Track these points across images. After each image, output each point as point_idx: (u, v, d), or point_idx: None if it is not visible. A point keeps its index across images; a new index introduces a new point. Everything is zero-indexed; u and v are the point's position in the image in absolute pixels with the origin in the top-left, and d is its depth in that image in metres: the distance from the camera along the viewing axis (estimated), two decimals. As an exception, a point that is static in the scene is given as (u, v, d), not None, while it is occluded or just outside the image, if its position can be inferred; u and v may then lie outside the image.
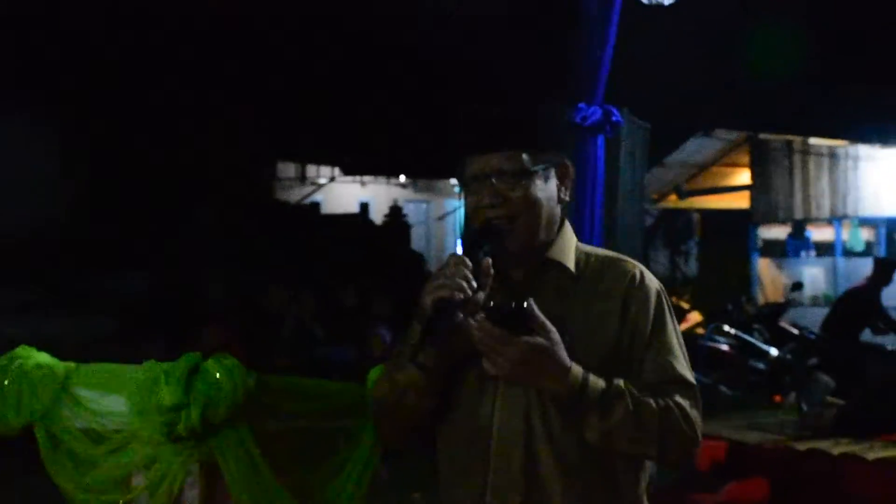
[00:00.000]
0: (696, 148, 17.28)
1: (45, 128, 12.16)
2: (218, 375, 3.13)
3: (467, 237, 2.39)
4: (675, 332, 2.39)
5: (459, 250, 2.36)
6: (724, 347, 10.58)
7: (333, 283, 12.49)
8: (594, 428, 2.23)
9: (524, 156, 2.38)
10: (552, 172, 2.43)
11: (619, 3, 4.62)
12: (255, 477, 3.12)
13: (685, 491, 4.92)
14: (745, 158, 17.85)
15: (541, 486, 2.29)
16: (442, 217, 26.90)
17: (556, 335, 2.23)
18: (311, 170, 24.10)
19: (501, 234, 2.36)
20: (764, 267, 18.28)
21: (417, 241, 22.90)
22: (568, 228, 2.49)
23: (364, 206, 23.34)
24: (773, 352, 10.53)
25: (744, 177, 18.15)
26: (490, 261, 2.29)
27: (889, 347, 10.41)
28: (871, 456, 4.48)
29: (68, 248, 12.51)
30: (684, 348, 2.40)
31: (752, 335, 11.01)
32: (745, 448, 4.84)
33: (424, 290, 2.28)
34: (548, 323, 2.23)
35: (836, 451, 4.55)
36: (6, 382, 3.29)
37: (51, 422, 3.30)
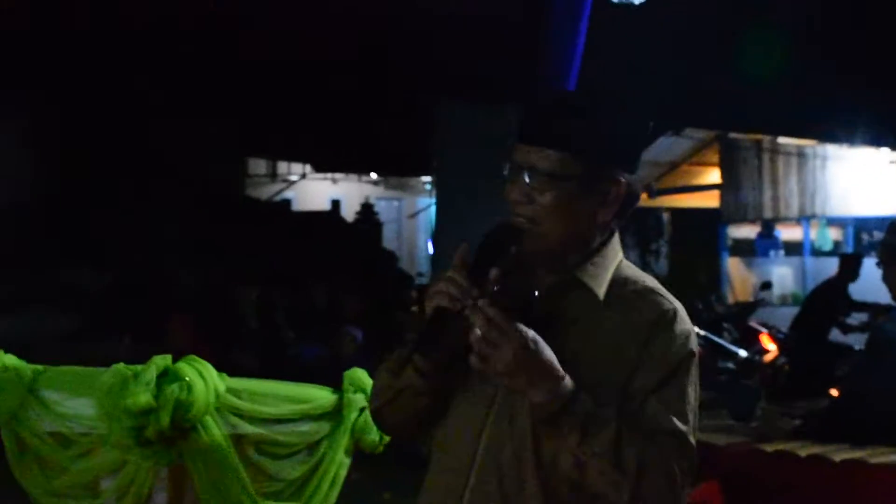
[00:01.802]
0: (666, 147, 17.35)
1: (10, 124, 12.07)
2: (189, 378, 3.11)
3: (491, 232, 2.15)
4: (688, 388, 2.13)
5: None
6: (694, 347, 10.63)
7: (304, 281, 12.46)
8: (570, 451, 2.04)
9: (565, 158, 2.12)
10: (598, 187, 2.14)
11: (589, 4, 4.64)
12: (226, 481, 3.10)
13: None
14: (715, 157, 17.96)
15: None
16: (413, 215, 26.88)
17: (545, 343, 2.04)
18: (282, 166, 24.05)
19: (521, 234, 2.13)
20: (733, 266, 18.39)
21: (389, 239, 22.90)
22: (613, 247, 2.23)
23: (335, 204, 23.31)
24: (742, 353, 10.60)
25: (713, 176, 18.26)
26: (497, 272, 2.06)
27: (856, 347, 10.49)
28: (837, 457, 4.51)
29: (34, 244, 12.42)
30: (696, 410, 2.14)
31: (721, 335, 11.07)
32: (714, 449, 4.86)
33: (427, 293, 2.11)
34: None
35: (803, 452, 4.57)
36: (-28, 385, 3.25)
37: (18, 425, 3.27)
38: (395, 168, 21.86)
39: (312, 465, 3.37)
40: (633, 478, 2.02)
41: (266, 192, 22.51)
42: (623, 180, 2.16)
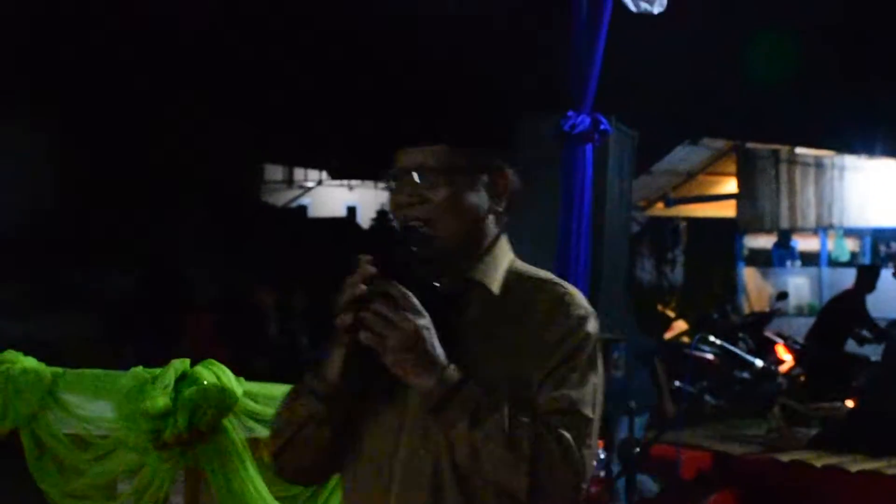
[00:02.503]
0: (683, 156, 17.31)
1: (36, 129, 12.18)
2: (206, 382, 3.12)
3: (388, 239, 2.15)
4: (584, 368, 2.12)
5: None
6: (710, 357, 10.61)
7: (319, 287, 12.49)
8: (462, 440, 2.00)
9: (452, 151, 2.15)
10: (485, 178, 2.18)
11: (609, 12, 4.65)
12: (242, 485, 3.11)
13: (669, 501, 4.94)
14: (732, 167, 17.90)
15: None
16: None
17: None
18: (299, 173, 24.10)
19: (418, 238, 2.11)
20: (749, 276, 18.31)
21: (404, 245, 22.88)
22: (502, 246, 2.25)
23: (351, 210, 23.36)
24: (758, 363, 10.57)
25: (730, 185, 18.20)
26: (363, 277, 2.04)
27: (872, 358, 10.45)
28: (853, 468, 4.50)
29: (57, 247, 12.53)
30: (597, 389, 2.13)
31: (736, 345, 11.04)
32: (730, 458, 4.85)
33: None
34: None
35: (818, 462, 4.57)
36: (-8, 387, 3.28)
37: (37, 427, 3.30)
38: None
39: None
40: (527, 458, 1.98)
41: (282, 198, 22.57)
42: (507, 171, 2.20)
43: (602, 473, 4.66)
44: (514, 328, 2.13)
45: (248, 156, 16.97)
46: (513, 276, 2.21)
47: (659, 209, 18.76)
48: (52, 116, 12.43)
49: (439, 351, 2.01)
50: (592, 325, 2.16)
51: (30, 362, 3.35)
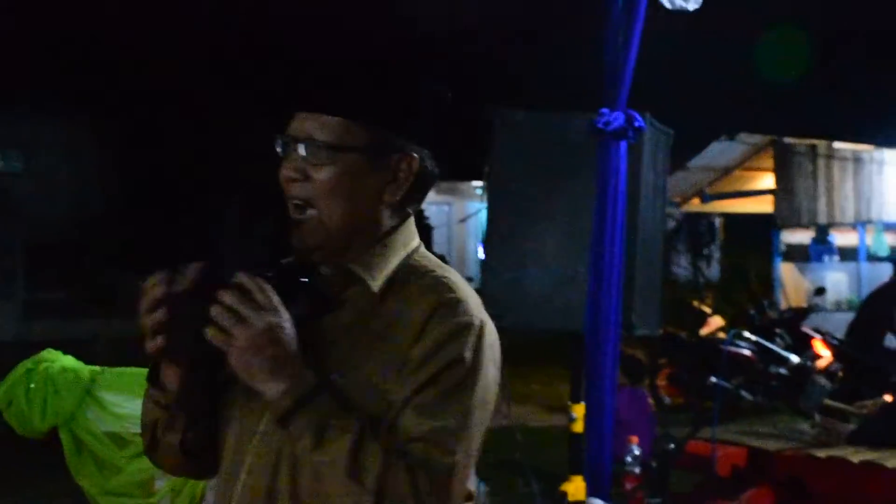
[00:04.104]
0: (719, 152, 17.22)
1: (78, 135, 12.34)
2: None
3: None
4: (462, 394, 1.78)
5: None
6: (746, 353, 10.57)
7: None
8: (306, 459, 1.74)
9: (346, 125, 1.84)
10: (386, 161, 1.86)
11: (644, 9, 4.63)
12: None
13: (705, 497, 4.92)
14: (769, 162, 17.80)
15: None
16: (464, 219, 26.92)
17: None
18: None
19: (295, 222, 1.85)
20: (787, 271, 18.20)
21: (439, 243, 22.93)
22: (399, 238, 1.92)
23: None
24: (795, 358, 10.51)
25: (767, 181, 18.10)
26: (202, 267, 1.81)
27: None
28: (891, 463, 4.47)
29: (101, 249, 12.69)
30: (475, 414, 1.80)
31: (773, 340, 10.99)
32: (766, 454, 4.83)
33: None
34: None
35: (855, 458, 4.54)
36: (32, 385, 3.33)
37: (76, 425, 3.34)
38: (446, 172, 21.90)
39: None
40: (371, 492, 1.71)
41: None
42: (416, 155, 1.89)
43: (637, 470, 4.66)
44: (387, 332, 1.82)
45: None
46: (403, 273, 1.88)
47: (695, 205, 18.68)
48: (86, 124, 12.59)
49: (295, 355, 1.74)
50: (473, 338, 1.81)
51: (68, 361, 3.40)
